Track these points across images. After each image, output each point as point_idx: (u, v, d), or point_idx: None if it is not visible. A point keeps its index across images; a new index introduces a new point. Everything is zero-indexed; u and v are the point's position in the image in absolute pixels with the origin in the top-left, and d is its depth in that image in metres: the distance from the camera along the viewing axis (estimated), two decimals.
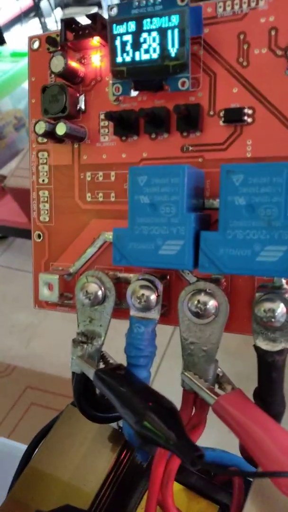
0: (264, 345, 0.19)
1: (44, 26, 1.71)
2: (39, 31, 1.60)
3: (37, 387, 0.73)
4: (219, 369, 0.21)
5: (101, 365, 0.23)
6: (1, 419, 0.68)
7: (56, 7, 1.70)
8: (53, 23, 1.68)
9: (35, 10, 1.67)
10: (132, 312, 0.21)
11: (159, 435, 0.17)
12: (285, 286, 0.19)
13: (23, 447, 0.46)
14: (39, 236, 0.26)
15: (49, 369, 0.77)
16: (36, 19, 1.69)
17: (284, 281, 0.19)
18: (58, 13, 1.71)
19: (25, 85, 1.29)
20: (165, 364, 0.77)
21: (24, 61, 1.29)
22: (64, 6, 1.71)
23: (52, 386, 0.72)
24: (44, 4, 1.66)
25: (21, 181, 0.98)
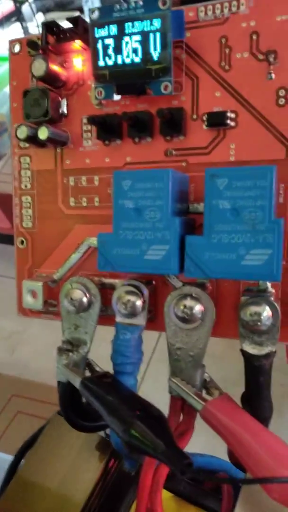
0: (251, 349, 0.19)
1: (25, 30, 1.70)
2: (21, 35, 1.59)
3: (23, 395, 0.71)
4: (206, 374, 0.20)
5: (87, 373, 0.23)
6: None
7: (37, 11, 1.69)
8: (35, 27, 1.68)
9: (16, 15, 1.66)
10: (118, 319, 0.21)
11: (146, 443, 0.17)
12: (270, 289, 0.19)
13: (9, 458, 0.46)
14: (22, 242, 0.26)
15: (35, 377, 0.76)
16: (18, 24, 1.68)
17: (269, 284, 0.19)
18: (40, 17, 1.70)
19: (7, 89, 1.28)
20: (151, 370, 0.76)
21: (6, 66, 1.28)
22: (46, 10, 1.70)
23: (39, 394, 0.70)
24: (25, 9, 1.65)
25: (3, 186, 0.97)
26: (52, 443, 0.26)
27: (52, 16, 1.63)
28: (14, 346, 0.84)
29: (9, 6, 1.65)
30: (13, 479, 0.25)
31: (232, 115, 0.20)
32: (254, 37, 0.20)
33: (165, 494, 0.23)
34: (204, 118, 0.21)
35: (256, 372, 0.19)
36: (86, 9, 1.57)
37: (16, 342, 0.85)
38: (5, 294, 0.95)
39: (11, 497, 0.24)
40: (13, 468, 0.27)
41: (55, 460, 0.25)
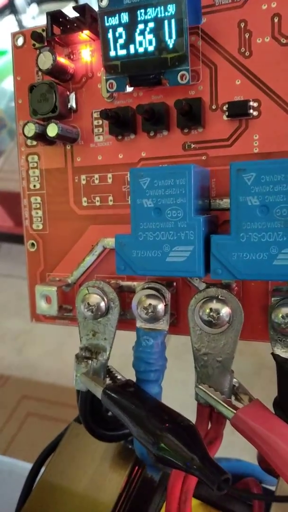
0: (283, 353, 0.18)
1: (20, 23, 1.68)
2: (15, 28, 1.57)
3: (33, 396, 0.71)
4: (234, 379, 0.19)
5: (108, 381, 0.22)
6: None
7: (31, 3, 1.67)
8: (29, 19, 1.65)
9: (10, 7, 1.64)
10: (139, 324, 0.20)
11: (178, 457, 0.16)
12: None
13: (22, 463, 0.45)
14: (32, 245, 0.25)
15: (44, 377, 0.75)
16: (12, 16, 1.66)
17: None
18: (34, 9, 1.67)
19: (4, 84, 1.26)
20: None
21: (2, 60, 1.26)
22: (39, 1, 1.68)
23: (48, 395, 0.70)
24: (19, 1, 1.63)
25: (4, 184, 0.95)
26: (74, 451, 0.25)
27: (46, 7, 1.61)
28: (22, 346, 0.83)
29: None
30: (36, 486, 0.25)
31: (255, 104, 0.19)
32: (276, 19, 0.18)
33: (193, 501, 0.22)
34: (224, 108, 0.19)
35: None
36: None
37: (23, 342, 0.84)
38: (10, 295, 0.95)
39: (35, 503, 0.24)
40: (34, 475, 0.26)
41: (78, 468, 0.24)
